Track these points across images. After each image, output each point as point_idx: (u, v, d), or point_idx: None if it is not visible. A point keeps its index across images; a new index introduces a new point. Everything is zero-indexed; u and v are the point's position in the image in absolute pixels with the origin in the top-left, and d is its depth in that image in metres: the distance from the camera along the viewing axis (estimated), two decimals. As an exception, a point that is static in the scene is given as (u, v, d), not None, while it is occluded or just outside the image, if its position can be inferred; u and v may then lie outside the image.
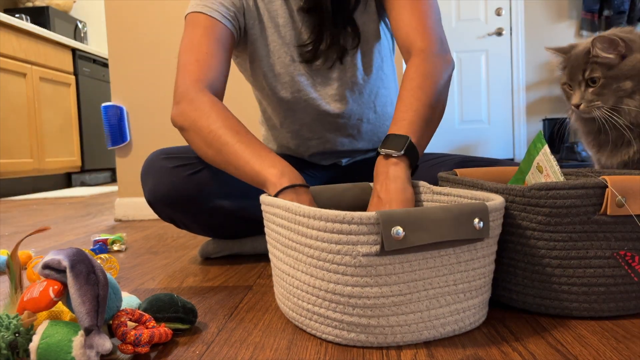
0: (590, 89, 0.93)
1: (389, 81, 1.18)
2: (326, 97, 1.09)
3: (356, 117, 1.12)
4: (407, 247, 0.57)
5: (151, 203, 1.03)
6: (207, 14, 0.98)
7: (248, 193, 1.01)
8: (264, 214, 0.75)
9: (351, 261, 0.58)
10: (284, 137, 1.18)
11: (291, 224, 0.64)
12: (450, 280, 0.61)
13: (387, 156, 0.79)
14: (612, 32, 0.92)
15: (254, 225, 1.05)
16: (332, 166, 1.22)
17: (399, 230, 0.56)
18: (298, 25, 1.04)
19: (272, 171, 0.79)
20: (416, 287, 0.59)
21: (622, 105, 0.90)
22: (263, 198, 0.74)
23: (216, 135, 0.86)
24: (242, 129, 0.86)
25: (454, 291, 0.62)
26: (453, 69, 0.92)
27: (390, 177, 0.77)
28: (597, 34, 4.21)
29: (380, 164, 0.80)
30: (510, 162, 1.06)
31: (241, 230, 1.09)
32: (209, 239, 1.26)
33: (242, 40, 1.06)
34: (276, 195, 0.77)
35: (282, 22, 1.04)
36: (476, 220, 0.59)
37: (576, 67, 0.95)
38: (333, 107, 1.09)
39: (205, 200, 0.99)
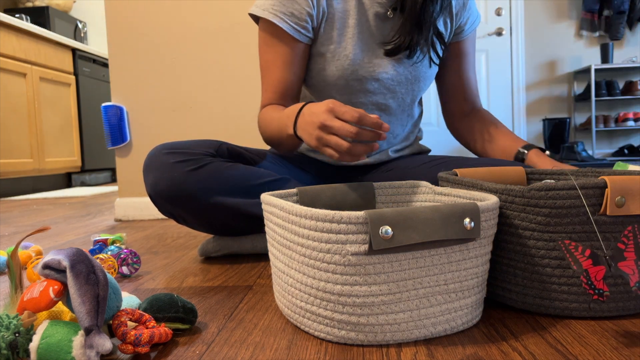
0: None
1: (417, 111, 1.26)
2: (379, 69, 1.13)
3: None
4: (396, 246, 0.57)
5: (152, 197, 1.04)
6: (277, 25, 1.07)
7: (248, 191, 1.01)
8: (264, 213, 0.75)
9: (340, 260, 0.59)
10: None
11: (285, 222, 0.65)
12: (441, 279, 0.61)
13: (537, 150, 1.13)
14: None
15: (254, 222, 1.05)
16: (343, 168, 1.23)
17: (387, 229, 0.56)
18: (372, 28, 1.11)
19: (285, 113, 0.97)
20: (406, 287, 0.60)
21: None
22: (263, 197, 0.74)
23: (263, 120, 1.09)
24: (276, 110, 1.06)
25: (445, 291, 0.62)
26: None
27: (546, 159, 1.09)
28: (597, 34, 4.20)
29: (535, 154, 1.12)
30: (510, 162, 1.06)
31: (241, 228, 1.09)
32: (208, 237, 1.26)
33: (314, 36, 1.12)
34: (294, 126, 0.92)
35: (353, 23, 1.10)
36: (467, 220, 0.59)
37: None
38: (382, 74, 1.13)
39: (206, 196, 1.00)
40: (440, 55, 1.15)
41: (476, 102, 1.27)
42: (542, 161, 1.08)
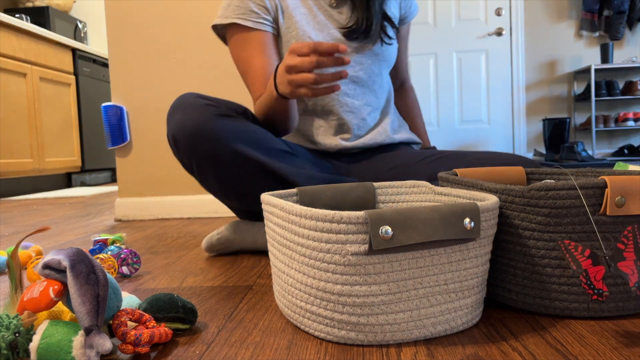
0: None
1: (387, 81, 1.34)
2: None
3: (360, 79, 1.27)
4: (396, 246, 0.57)
5: (175, 138, 1.02)
6: (243, 25, 1.18)
7: (269, 150, 1.04)
8: (264, 213, 0.75)
9: (340, 260, 0.59)
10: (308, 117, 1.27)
11: (285, 222, 0.65)
12: (441, 279, 0.61)
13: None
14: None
15: (269, 184, 1.05)
16: (339, 155, 1.27)
17: (387, 229, 0.56)
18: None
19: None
20: (406, 287, 0.60)
21: None
22: (263, 197, 0.74)
23: (258, 105, 1.16)
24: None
25: (445, 291, 0.62)
26: None
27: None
28: (597, 34, 4.19)
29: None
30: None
31: (255, 194, 1.08)
32: (210, 234, 1.26)
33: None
34: (275, 87, 1.02)
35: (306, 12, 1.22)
36: (467, 220, 0.59)
37: None
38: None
39: (229, 140, 0.99)
40: (391, 36, 1.27)
41: (405, 80, 1.46)
42: None
